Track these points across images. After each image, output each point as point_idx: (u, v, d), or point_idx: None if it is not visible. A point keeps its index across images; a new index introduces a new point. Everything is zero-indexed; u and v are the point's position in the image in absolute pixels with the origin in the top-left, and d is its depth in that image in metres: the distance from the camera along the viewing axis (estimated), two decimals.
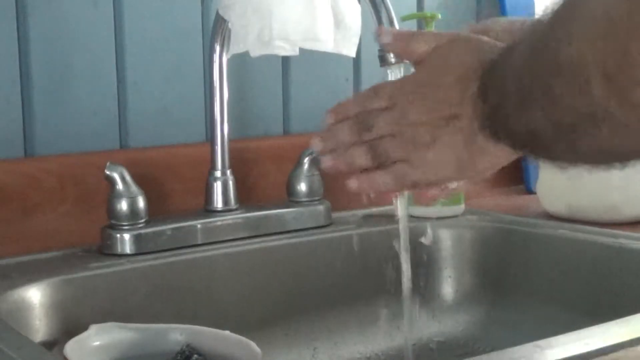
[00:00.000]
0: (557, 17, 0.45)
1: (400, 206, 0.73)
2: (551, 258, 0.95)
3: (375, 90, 0.61)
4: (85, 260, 0.85)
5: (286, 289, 0.93)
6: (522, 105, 0.48)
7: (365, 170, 0.62)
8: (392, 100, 0.59)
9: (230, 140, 0.93)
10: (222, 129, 0.92)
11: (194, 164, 0.97)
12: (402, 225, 0.74)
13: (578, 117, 0.44)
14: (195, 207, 0.95)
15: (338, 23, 0.86)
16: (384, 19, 0.81)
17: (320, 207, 0.99)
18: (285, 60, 1.08)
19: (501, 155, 0.55)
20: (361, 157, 0.62)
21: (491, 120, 0.53)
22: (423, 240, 0.89)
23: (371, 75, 1.15)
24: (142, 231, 0.86)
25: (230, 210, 0.93)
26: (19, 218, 0.87)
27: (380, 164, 0.61)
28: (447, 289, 1.02)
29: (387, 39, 0.64)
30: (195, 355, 0.64)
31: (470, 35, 0.59)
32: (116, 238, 0.86)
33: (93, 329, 0.65)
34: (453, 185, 0.62)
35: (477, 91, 0.53)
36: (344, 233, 0.98)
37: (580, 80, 0.42)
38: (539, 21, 0.47)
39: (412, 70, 0.62)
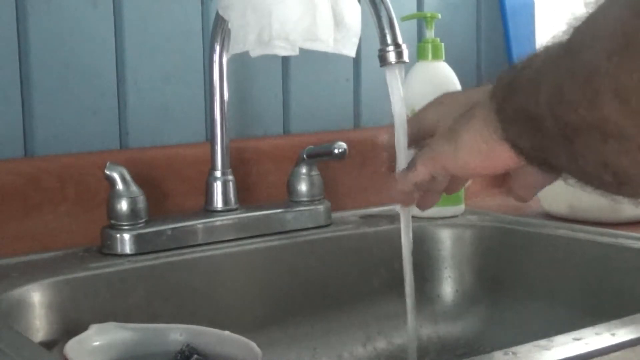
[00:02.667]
0: (576, 31, 0.45)
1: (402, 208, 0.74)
2: (551, 258, 0.95)
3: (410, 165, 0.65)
4: (85, 260, 0.85)
5: (286, 289, 0.93)
6: (532, 94, 0.48)
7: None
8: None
9: (230, 140, 0.93)
10: (222, 129, 0.92)
11: (194, 164, 0.97)
12: (404, 225, 0.75)
13: (586, 125, 0.43)
14: (195, 207, 0.95)
15: (338, 23, 0.85)
16: (384, 19, 0.80)
17: (320, 207, 0.99)
18: (285, 60, 1.08)
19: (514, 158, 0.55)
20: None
21: (502, 111, 0.52)
22: None
23: (371, 75, 1.15)
24: (142, 231, 0.86)
25: (230, 210, 0.93)
26: (19, 218, 0.87)
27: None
28: (447, 289, 1.02)
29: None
30: (195, 355, 0.64)
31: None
32: (116, 238, 0.86)
33: (93, 329, 0.65)
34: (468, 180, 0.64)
35: (490, 95, 0.54)
36: (344, 233, 0.98)
37: (591, 91, 0.42)
38: (557, 41, 0.47)
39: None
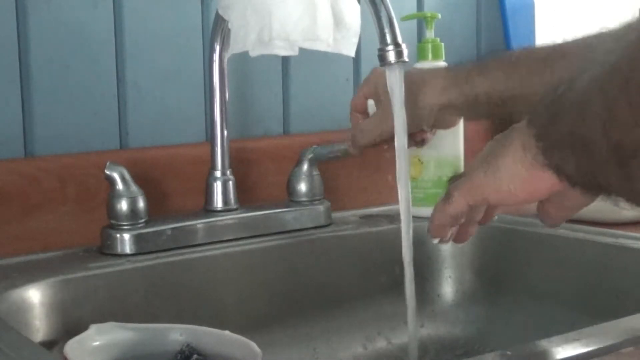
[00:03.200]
0: (624, 52, 0.44)
1: (402, 202, 0.74)
2: (551, 258, 0.95)
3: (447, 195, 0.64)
4: (85, 260, 0.85)
5: (286, 289, 0.93)
6: (580, 116, 0.47)
7: None
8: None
9: (230, 140, 0.93)
10: (222, 129, 0.92)
11: (194, 164, 0.97)
12: (405, 224, 0.75)
13: (637, 145, 0.43)
14: (195, 207, 0.95)
15: (338, 23, 0.85)
16: (384, 19, 0.81)
17: (320, 207, 0.99)
18: (285, 60, 1.08)
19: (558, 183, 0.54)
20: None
21: (544, 136, 0.51)
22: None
23: None
24: (142, 231, 0.86)
25: (230, 210, 0.93)
26: (19, 218, 0.87)
27: None
28: (447, 289, 1.02)
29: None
30: (195, 355, 0.64)
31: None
32: (116, 238, 0.86)
33: (93, 328, 0.65)
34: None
35: (527, 121, 0.53)
36: (344, 233, 0.98)
37: (608, 108, 0.42)
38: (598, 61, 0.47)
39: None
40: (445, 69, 0.86)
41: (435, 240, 0.68)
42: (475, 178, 0.59)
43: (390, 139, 0.83)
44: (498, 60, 0.85)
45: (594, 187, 0.50)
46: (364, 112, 0.92)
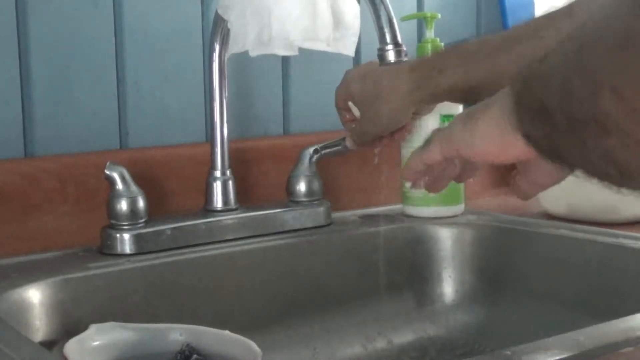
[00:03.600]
0: (586, 29, 0.46)
1: None
2: (551, 258, 0.95)
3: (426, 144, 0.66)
4: (85, 260, 0.85)
5: (286, 289, 0.93)
6: (545, 86, 0.49)
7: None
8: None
9: (230, 140, 0.93)
10: (222, 129, 0.92)
11: (194, 164, 0.97)
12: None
13: (590, 119, 0.44)
14: (195, 207, 0.95)
15: (337, 23, 0.86)
16: (383, 19, 0.81)
17: (320, 207, 0.99)
18: (285, 60, 1.08)
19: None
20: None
21: (519, 102, 0.53)
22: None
23: None
24: (142, 231, 0.86)
25: (230, 210, 0.93)
26: (19, 218, 0.87)
27: None
28: (447, 289, 1.02)
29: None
30: (195, 355, 0.64)
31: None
32: (116, 238, 0.86)
33: (93, 328, 0.65)
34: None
35: (510, 85, 0.55)
36: (344, 233, 0.98)
37: (593, 87, 0.43)
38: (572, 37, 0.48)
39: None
40: (408, 69, 0.87)
41: (408, 184, 0.72)
42: (454, 131, 0.61)
43: (387, 135, 0.92)
44: (456, 54, 0.87)
45: (557, 158, 0.52)
46: (349, 111, 0.95)
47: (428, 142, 0.65)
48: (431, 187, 0.71)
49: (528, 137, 0.53)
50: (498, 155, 0.57)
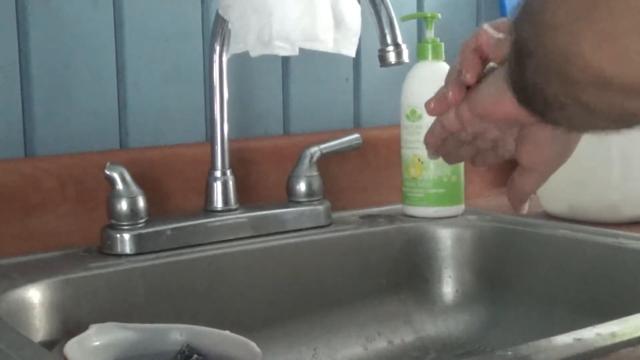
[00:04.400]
0: None
1: None
2: (551, 258, 0.95)
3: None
4: (85, 260, 0.85)
5: (286, 289, 0.93)
6: (531, 24, 0.49)
7: None
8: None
9: (230, 140, 0.93)
10: (222, 129, 0.92)
11: (194, 164, 0.97)
12: None
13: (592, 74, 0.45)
14: (195, 207, 0.95)
15: (338, 23, 0.86)
16: (384, 19, 0.81)
17: (320, 207, 0.99)
18: (285, 60, 1.08)
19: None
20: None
21: (510, 55, 0.53)
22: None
23: (371, 75, 1.15)
24: (142, 231, 0.86)
25: (230, 210, 0.93)
26: (19, 218, 0.87)
27: None
28: (447, 289, 1.02)
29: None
30: (195, 355, 0.64)
31: None
32: (116, 238, 0.86)
33: (93, 329, 0.65)
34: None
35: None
36: (344, 233, 0.98)
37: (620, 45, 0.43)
38: None
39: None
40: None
41: (428, 152, 0.73)
42: (472, 91, 0.64)
43: None
44: None
45: (539, 106, 0.52)
46: None
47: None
48: (448, 158, 0.73)
49: (515, 86, 0.53)
50: (493, 110, 0.61)
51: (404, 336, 0.98)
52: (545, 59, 0.47)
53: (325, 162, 1.01)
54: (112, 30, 0.95)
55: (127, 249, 0.86)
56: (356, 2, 0.88)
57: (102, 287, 0.81)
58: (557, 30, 0.45)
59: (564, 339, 0.61)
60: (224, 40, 0.90)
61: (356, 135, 1.03)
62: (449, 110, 0.66)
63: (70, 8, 0.92)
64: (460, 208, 1.06)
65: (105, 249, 0.87)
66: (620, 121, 0.48)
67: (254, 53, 0.85)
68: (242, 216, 0.93)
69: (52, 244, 0.89)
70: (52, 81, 0.91)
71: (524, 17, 0.49)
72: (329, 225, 1.00)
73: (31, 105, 0.91)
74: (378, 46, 0.83)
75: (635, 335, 0.61)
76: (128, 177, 0.86)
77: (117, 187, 0.86)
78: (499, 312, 0.99)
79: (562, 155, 0.66)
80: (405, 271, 1.01)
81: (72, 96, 0.93)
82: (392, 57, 0.80)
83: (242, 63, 1.02)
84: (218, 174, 0.93)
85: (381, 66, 0.83)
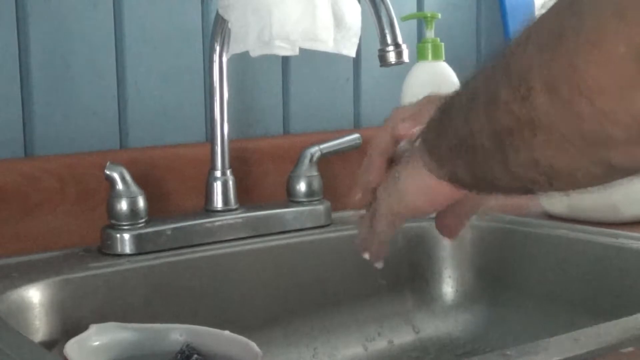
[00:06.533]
0: (513, 38, 0.48)
1: None
2: (551, 258, 0.95)
3: None
4: (85, 260, 0.85)
5: (286, 289, 0.93)
6: (464, 114, 0.51)
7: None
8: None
9: (230, 140, 0.93)
10: (222, 129, 0.92)
11: (194, 164, 0.97)
12: None
13: (517, 122, 0.45)
14: (195, 207, 0.95)
15: (338, 23, 0.86)
16: (384, 19, 0.81)
17: (320, 207, 0.99)
18: (285, 60, 1.08)
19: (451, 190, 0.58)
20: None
21: (435, 151, 0.56)
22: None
23: (371, 75, 1.15)
24: (142, 231, 0.86)
25: (230, 210, 0.93)
26: (19, 218, 0.87)
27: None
28: (447, 289, 1.02)
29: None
30: (195, 355, 0.64)
31: None
32: (116, 238, 0.86)
33: (93, 329, 0.65)
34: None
35: (422, 138, 0.58)
36: (344, 233, 0.98)
37: (524, 87, 0.44)
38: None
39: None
40: None
41: (366, 255, 0.70)
42: (384, 200, 0.63)
43: None
44: None
45: (485, 186, 0.54)
46: None
47: (373, 226, 0.65)
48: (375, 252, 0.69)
49: (454, 180, 0.55)
50: (432, 205, 0.61)
51: (404, 336, 0.98)
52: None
53: (325, 162, 1.01)
54: (112, 30, 0.95)
55: (127, 249, 0.86)
56: (356, 2, 0.88)
57: (102, 287, 0.81)
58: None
59: (564, 339, 0.61)
60: (224, 40, 0.90)
61: (356, 135, 1.03)
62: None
63: (70, 8, 0.92)
64: None
65: (105, 249, 0.87)
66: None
67: (254, 53, 0.85)
68: (242, 216, 0.93)
69: (52, 244, 0.89)
70: (52, 81, 0.91)
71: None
72: (329, 225, 1.00)
73: (31, 105, 0.91)
74: (378, 46, 0.83)
75: (635, 335, 0.61)
76: (128, 177, 0.86)
77: (117, 187, 0.86)
78: (499, 312, 0.99)
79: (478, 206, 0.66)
80: (405, 271, 1.01)
81: (72, 96, 0.93)
82: (392, 57, 0.80)
83: (242, 63, 1.02)
84: (218, 174, 0.93)
85: (381, 66, 0.83)
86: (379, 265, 0.69)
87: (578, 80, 0.41)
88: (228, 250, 0.90)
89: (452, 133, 0.52)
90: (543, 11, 0.46)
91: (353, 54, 0.89)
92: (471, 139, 0.50)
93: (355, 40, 0.88)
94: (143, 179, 0.90)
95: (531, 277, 0.97)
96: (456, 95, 0.53)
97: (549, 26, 0.44)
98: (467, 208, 0.66)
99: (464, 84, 0.53)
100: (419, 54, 1.06)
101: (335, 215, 1.02)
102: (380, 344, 0.97)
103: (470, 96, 0.51)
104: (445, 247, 1.02)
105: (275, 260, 0.92)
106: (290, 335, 0.92)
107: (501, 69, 0.47)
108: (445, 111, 0.54)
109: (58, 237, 0.89)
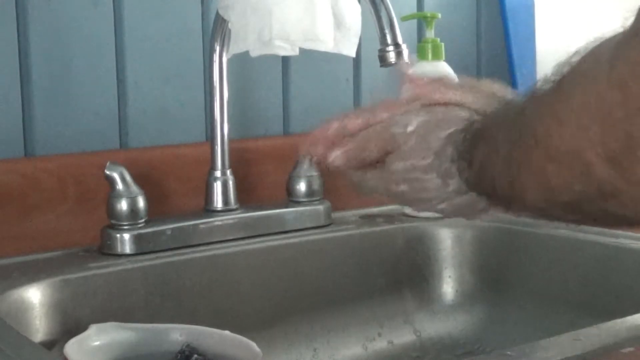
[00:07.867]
0: (543, 101, 0.47)
1: None
2: (551, 258, 0.95)
3: None
4: (85, 260, 0.85)
5: (286, 289, 0.93)
6: (511, 180, 0.51)
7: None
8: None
9: (230, 140, 0.93)
10: (222, 129, 0.92)
11: (194, 164, 0.97)
12: None
13: (579, 195, 0.45)
14: (195, 207, 0.95)
15: (338, 23, 0.86)
16: (384, 19, 0.81)
17: (320, 207, 0.99)
18: (285, 60, 1.08)
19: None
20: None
21: (475, 180, 0.56)
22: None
23: (371, 75, 1.15)
24: (142, 231, 0.86)
25: (230, 210, 0.93)
26: (19, 218, 0.87)
27: None
28: (447, 289, 1.02)
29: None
30: (195, 355, 0.64)
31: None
32: (116, 238, 0.86)
33: (93, 328, 0.65)
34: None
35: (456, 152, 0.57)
36: (344, 233, 0.98)
37: (580, 164, 0.44)
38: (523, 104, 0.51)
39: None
40: None
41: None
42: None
43: None
44: None
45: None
46: None
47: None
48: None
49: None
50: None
51: (404, 336, 0.98)
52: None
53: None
54: (112, 30, 0.95)
55: (127, 249, 0.86)
56: (356, 2, 0.88)
57: (102, 287, 0.81)
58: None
59: (564, 339, 0.61)
60: (224, 40, 0.90)
61: None
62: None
63: (70, 8, 0.92)
64: None
65: (105, 249, 0.87)
66: None
67: (254, 53, 0.85)
68: (242, 216, 0.93)
69: (52, 244, 0.89)
70: (52, 81, 0.91)
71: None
72: (329, 225, 1.00)
73: (31, 105, 0.91)
74: (378, 46, 0.83)
75: (635, 335, 0.61)
76: (128, 177, 0.86)
77: (117, 187, 0.86)
78: (499, 312, 0.99)
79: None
80: (405, 271, 1.01)
81: (72, 96, 0.93)
82: (392, 57, 0.80)
83: (242, 63, 1.01)
84: (218, 174, 0.93)
85: (381, 66, 0.83)
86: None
87: (637, 150, 0.41)
88: (228, 250, 0.90)
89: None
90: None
91: (353, 54, 0.89)
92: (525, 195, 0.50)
93: (355, 40, 0.88)
94: (143, 179, 0.90)
95: (531, 277, 0.97)
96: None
97: (583, 100, 0.44)
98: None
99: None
100: (419, 54, 1.06)
101: (335, 215, 1.02)
102: (380, 344, 0.97)
103: (504, 153, 0.51)
104: (445, 247, 1.02)
105: (275, 261, 0.92)
106: (290, 335, 0.92)
107: (542, 145, 0.47)
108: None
109: (58, 237, 0.89)
